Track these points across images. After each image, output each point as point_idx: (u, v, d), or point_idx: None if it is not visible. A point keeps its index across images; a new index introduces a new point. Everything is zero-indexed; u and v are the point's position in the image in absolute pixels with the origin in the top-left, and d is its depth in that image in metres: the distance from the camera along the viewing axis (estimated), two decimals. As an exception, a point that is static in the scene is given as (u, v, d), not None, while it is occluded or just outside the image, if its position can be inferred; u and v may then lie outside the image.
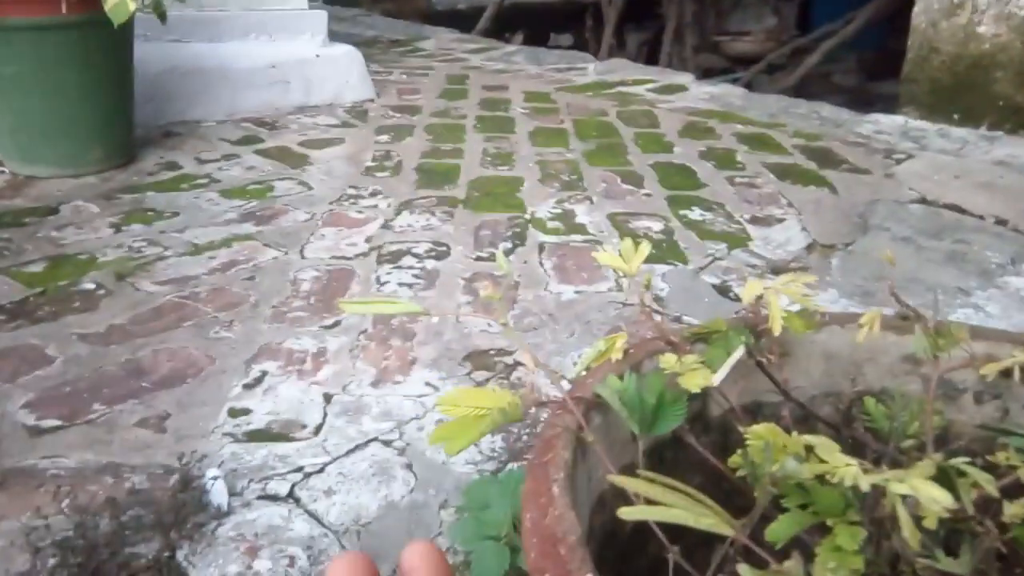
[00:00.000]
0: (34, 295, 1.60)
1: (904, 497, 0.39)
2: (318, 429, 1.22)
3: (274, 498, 1.08)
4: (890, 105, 3.36)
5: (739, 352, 0.48)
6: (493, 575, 0.83)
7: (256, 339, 1.47)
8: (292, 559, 0.98)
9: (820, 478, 0.36)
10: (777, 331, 0.50)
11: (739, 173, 2.38)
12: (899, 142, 2.74)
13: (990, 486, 0.35)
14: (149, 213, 2.03)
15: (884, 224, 2.05)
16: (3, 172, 2.26)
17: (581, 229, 1.97)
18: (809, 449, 0.41)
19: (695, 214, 2.07)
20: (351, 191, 2.22)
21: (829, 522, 0.36)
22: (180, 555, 0.98)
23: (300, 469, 1.13)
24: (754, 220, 2.04)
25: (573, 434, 0.44)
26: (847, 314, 0.60)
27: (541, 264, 1.78)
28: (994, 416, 0.59)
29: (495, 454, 1.17)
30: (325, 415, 1.26)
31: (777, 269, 1.78)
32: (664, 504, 0.28)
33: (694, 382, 0.48)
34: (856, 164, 2.48)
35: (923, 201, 2.21)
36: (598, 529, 0.51)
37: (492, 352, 1.44)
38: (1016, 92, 2.97)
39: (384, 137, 2.74)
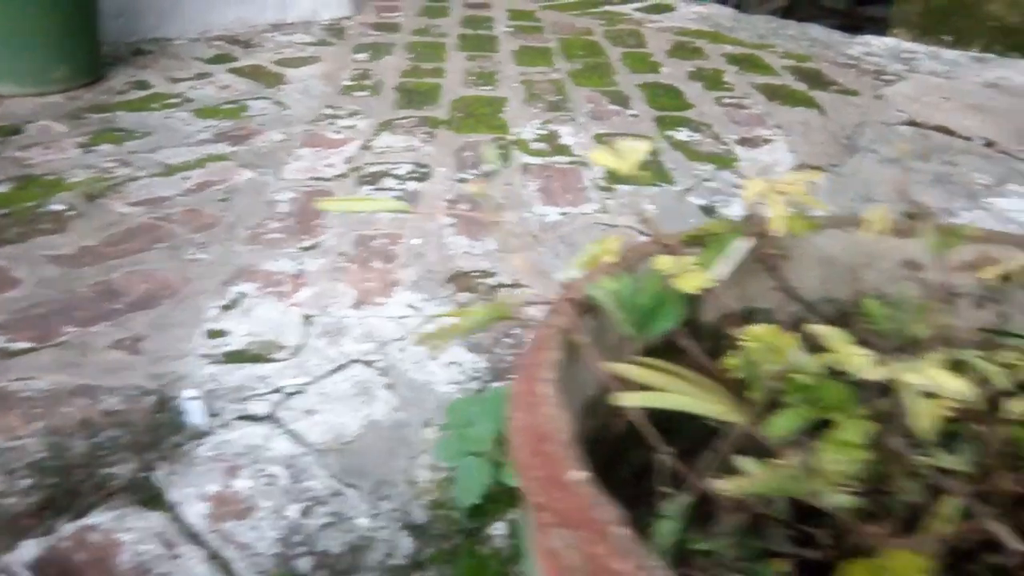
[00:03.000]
0: (0, 216, 1.54)
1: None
2: (298, 350, 1.20)
3: (254, 418, 1.06)
4: (879, 28, 3.28)
5: (745, 244, 0.45)
6: (477, 490, 0.83)
7: (232, 261, 1.43)
8: (273, 477, 0.96)
9: (825, 373, 0.34)
10: (779, 230, 0.48)
11: (727, 94, 2.33)
12: (889, 64, 2.68)
13: (1002, 379, 0.34)
14: (119, 133, 1.95)
15: (872, 146, 2.01)
16: (-37, 91, 2.16)
17: (566, 150, 1.92)
18: (812, 347, 0.39)
19: (682, 135, 2.03)
20: (328, 111, 2.14)
21: (834, 418, 0.34)
22: (159, 475, 0.96)
23: (280, 390, 1.11)
24: (742, 141, 2.00)
25: (564, 335, 0.42)
26: (847, 217, 0.58)
27: (525, 186, 1.74)
28: (993, 322, 0.57)
29: (478, 374, 1.16)
30: (305, 336, 1.23)
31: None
32: (670, 392, 0.26)
33: (690, 283, 0.45)
34: (846, 85, 2.43)
35: (912, 123, 2.17)
36: (585, 437, 0.49)
37: (475, 274, 1.41)
38: (1008, 13, 2.90)
39: (362, 56, 2.64)
